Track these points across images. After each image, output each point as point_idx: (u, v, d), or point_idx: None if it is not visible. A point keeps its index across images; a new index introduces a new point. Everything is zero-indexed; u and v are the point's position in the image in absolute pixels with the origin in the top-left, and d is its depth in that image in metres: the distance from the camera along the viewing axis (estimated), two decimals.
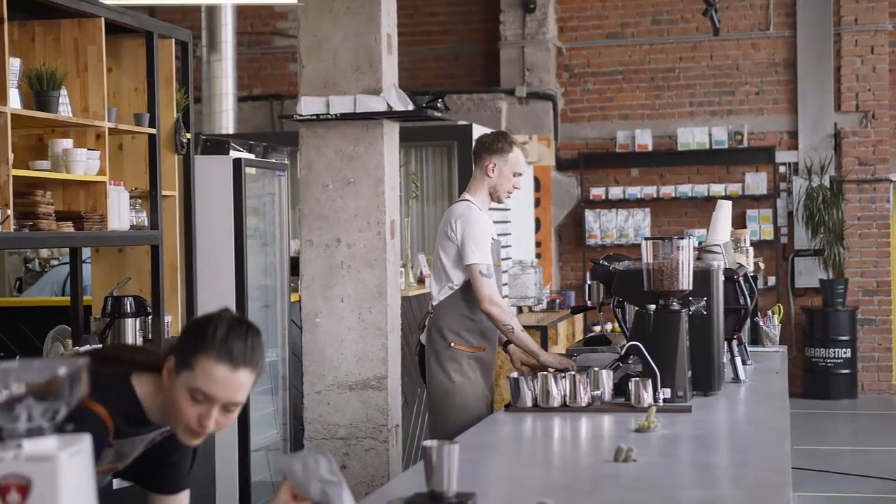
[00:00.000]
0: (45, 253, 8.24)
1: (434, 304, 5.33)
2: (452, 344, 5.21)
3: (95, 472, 2.62)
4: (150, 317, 5.57)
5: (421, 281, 8.28)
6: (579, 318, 11.32)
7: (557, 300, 10.85)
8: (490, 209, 5.38)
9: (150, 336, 5.60)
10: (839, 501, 8.10)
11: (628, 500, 2.92)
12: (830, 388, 12.27)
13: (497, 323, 5.12)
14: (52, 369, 1.76)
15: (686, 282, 4.41)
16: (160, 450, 2.82)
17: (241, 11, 12.74)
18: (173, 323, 5.86)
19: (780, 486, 2.92)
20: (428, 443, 2.74)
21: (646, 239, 4.48)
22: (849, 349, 12.30)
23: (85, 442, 1.78)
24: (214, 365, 2.57)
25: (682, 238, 4.44)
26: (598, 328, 12.02)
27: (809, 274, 12.63)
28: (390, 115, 5.94)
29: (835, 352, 12.28)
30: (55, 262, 8.32)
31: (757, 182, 12.67)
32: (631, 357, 4.44)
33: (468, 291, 5.19)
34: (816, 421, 11.26)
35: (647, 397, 4.20)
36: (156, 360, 2.70)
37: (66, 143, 5.03)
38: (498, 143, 5.34)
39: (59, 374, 1.76)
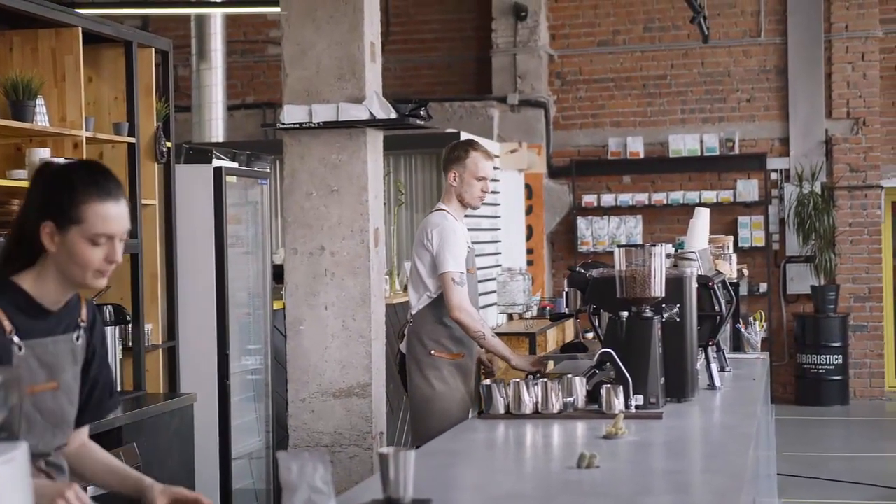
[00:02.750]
0: None
1: (413, 312, 5.41)
2: (432, 352, 5.27)
3: (26, 390, 2.60)
4: (129, 325, 5.59)
5: (406, 288, 8.29)
6: (570, 325, 11.32)
7: (548, 307, 10.85)
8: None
9: (130, 345, 5.61)
10: None
11: None
12: (822, 394, 12.27)
13: (468, 330, 5.17)
14: None
15: (658, 289, 4.42)
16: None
17: (234, 20, 12.78)
18: (153, 331, 5.88)
19: (735, 492, 2.93)
20: (384, 450, 2.77)
21: (618, 246, 4.49)
22: (840, 355, 12.30)
23: (20, 450, 1.80)
24: (101, 206, 2.67)
25: (655, 245, 4.45)
26: (590, 335, 12.02)
27: (801, 280, 12.64)
28: (373, 123, 5.96)
29: (826, 358, 12.28)
30: None
31: (748, 189, 12.68)
32: (606, 364, 4.45)
33: None
34: (808, 427, 11.26)
35: (619, 404, 4.21)
36: (25, 255, 2.73)
37: (44, 152, 5.05)
38: (454, 151, 5.43)
39: None
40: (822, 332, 12.30)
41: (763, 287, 12.58)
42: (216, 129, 10.64)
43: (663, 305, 4.50)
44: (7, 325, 2.65)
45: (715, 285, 5.03)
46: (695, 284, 4.72)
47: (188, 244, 6.16)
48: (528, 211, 12.36)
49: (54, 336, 2.76)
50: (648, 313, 4.44)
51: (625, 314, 4.43)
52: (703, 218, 5.55)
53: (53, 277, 2.72)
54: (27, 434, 2.60)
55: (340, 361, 5.87)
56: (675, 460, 3.66)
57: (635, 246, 4.47)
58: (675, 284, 4.56)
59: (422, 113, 6.27)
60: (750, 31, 12.87)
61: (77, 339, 2.81)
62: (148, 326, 5.76)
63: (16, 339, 2.66)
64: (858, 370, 12.60)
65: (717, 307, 5.03)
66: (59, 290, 2.74)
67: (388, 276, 7.91)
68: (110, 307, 5.44)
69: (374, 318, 6.02)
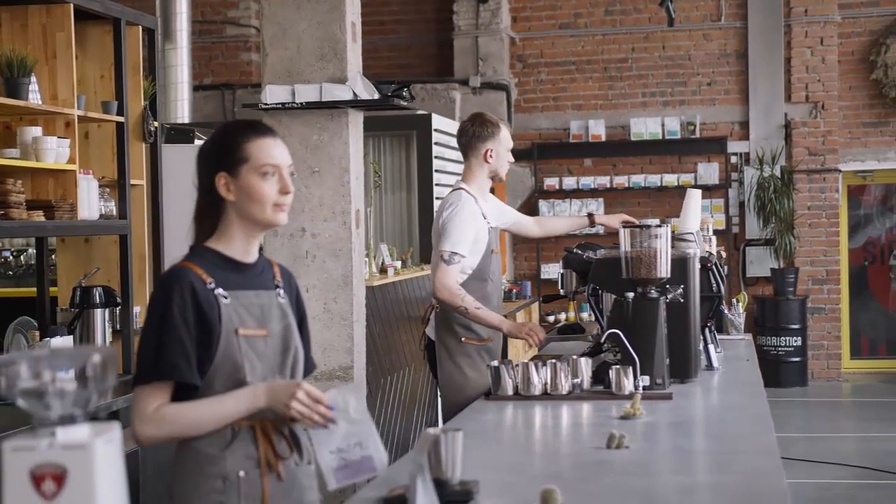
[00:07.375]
0: (18, 242, 8.15)
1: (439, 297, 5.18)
2: (463, 339, 5.17)
3: (237, 334, 2.80)
4: (118, 307, 5.50)
5: (383, 271, 8.24)
6: (535, 307, 11.36)
7: (514, 290, 10.87)
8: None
9: (118, 327, 5.53)
10: (790, 487, 8.19)
11: (628, 486, 2.93)
12: (781, 375, 12.40)
13: (450, 308, 5.07)
14: (84, 357, 1.74)
15: (664, 269, 4.42)
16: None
17: (192, 0, 12.60)
18: (142, 313, 5.79)
19: (776, 470, 2.94)
20: (433, 430, 2.74)
21: (624, 226, 4.49)
22: (799, 337, 12.45)
23: (115, 430, 1.76)
24: (261, 141, 2.88)
25: (660, 226, 4.45)
26: (552, 318, 12.07)
27: (760, 263, 12.76)
28: (355, 104, 5.92)
29: (785, 340, 12.42)
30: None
31: (709, 172, 12.77)
32: (606, 345, 4.44)
33: (473, 283, 5.13)
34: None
35: (629, 385, 4.21)
36: (211, 222, 2.90)
37: (36, 130, 4.95)
38: (487, 128, 5.35)
39: (92, 361, 1.73)
40: (781, 314, 12.44)
41: (724, 270, 12.66)
42: (182, 109, 10.49)
43: (667, 286, 4.51)
44: (207, 278, 2.82)
45: (713, 265, 5.06)
46: (697, 265, 4.73)
47: (175, 225, 6.07)
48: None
49: (256, 290, 2.90)
50: (654, 294, 4.44)
51: (630, 295, 4.43)
52: (695, 199, 5.56)
53: (237, 227, 2.88)
54: (250, 374, 2.80)
55: (322, 344, 5.84)
56: (699, 440, 3.67)
57: (641, 227, 4.46)
58: (679, 265, 4.57)
59: (404, 94, 6.25)
60: (711, 15, 12.94)
61: (280, 296, 2.94)
62: (136, 308, 5.67)
63: (219, 290, 2.82)
64: (816, 352, 12.75)
65: (714, 287, 5.06)
66: (245, 238, 2.90)
67: (365, 259, 7.86)
68: (100, 289, 5.36)
69: (356, 300, 5.99)
